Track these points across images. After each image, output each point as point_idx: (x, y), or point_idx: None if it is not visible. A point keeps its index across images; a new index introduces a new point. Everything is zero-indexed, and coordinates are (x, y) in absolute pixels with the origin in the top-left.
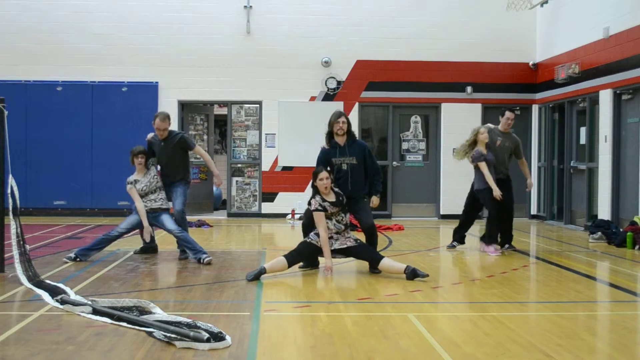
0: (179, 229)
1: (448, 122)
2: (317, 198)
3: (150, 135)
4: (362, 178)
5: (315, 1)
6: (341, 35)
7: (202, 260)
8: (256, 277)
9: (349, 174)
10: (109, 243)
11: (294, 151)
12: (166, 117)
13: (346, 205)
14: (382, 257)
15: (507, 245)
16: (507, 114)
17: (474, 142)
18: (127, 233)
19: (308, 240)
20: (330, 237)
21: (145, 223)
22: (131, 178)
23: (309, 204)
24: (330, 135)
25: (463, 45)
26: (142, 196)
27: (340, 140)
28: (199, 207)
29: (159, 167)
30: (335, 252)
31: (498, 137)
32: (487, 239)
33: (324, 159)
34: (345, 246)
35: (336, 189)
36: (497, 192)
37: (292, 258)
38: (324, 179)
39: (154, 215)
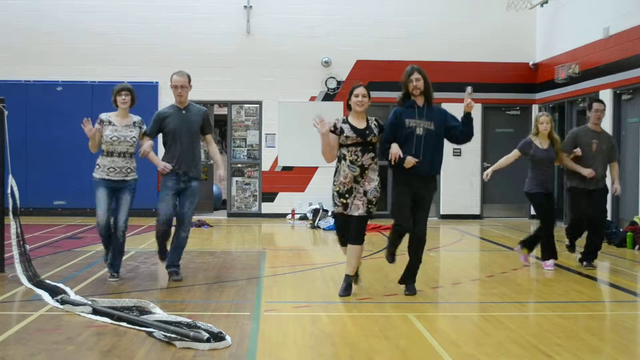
0: (124, 229)
1: None
2: (341, 118)
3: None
4: (437, 150)
5: (315, 1)
6: (341, 35)
7: (109, 276)
8: (349, 288)
9: (422, 141)
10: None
11: (294, 151)
12: (186, 75)
13: (371, 142)
14: (359, 242)
15: (584, 263)
16: (595, 105)
17: (536, 134)
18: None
19: (336, 212)
20: (349, 194)
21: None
22: (106, 116)
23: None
24: (405, 97)
25: (463, 45)
26: (107, 153)
27: (419, 100)
28: (199, 207)
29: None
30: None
31: (592, 139)
32: (543, 252)
33: (396, 121)
34: (356, 214)
35: (377, 120)
36: (486, 178)
37: (342, 238)
38: (360, 95)
39: (113, 188)
